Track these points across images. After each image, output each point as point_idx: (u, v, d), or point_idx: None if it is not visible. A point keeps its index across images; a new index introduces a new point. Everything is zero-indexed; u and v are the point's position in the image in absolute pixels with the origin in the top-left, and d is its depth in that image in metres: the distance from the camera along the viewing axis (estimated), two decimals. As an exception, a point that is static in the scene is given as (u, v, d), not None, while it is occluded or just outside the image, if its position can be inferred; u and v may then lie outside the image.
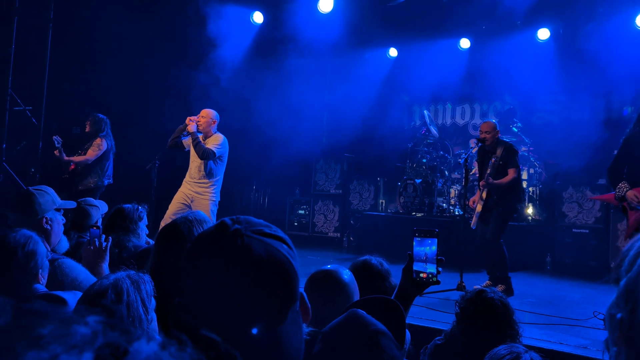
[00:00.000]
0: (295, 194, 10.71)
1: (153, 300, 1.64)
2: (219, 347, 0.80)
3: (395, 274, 2.89)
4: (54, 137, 6.80)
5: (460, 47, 10.21)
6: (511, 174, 5.80)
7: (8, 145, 8.15)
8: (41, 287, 2.31)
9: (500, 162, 5.81)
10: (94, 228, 3.20)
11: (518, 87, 9.49)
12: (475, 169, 8.05)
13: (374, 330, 1.29)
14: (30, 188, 3.35)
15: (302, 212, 10.52)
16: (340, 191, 10.30)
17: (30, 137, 8.40)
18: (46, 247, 2.58)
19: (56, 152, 6.78)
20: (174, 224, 2.33)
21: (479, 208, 5.91)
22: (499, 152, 5.88)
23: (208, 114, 6.37)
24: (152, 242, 4.28)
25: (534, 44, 9.46)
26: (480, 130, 6.09)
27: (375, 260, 2.84)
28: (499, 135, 6.13)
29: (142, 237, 3.96)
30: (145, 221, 4.00)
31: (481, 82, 9.51)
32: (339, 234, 10.07)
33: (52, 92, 8.60)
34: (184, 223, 2.31)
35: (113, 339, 0.49)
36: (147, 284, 1.64)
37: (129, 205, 3.93)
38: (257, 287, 0.91)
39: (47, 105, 8.53)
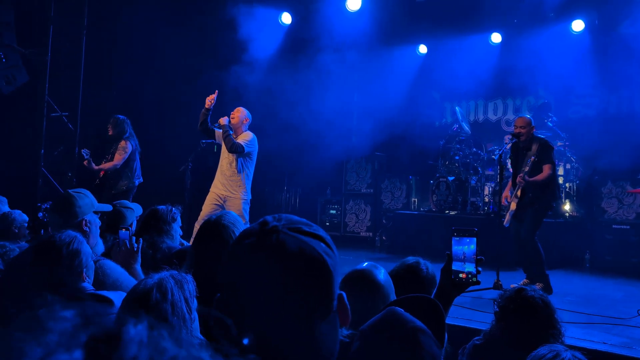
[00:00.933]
0: (326, 194, 10.70)
1: (195, 300, 1.64)
2: (246, 350, 0.80)
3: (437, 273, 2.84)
4: (83, 150, 6.92)
5: (492, 42, 10.04)
6: (546, 170, 5.66)
7: (46, 151, 8.36)
8: (88, 286, 2.35)
9: (536, 159, 5.67)
10: (123, 230, 3.24)
11: (552, 81, 9.28)
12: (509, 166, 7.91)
13: (412, 327, 1.26)
14: (69, 191, 3.42)
15: (333, 211, 10.50)
16: (372, 190, 10.24)
17: (67, 142, 8.61)
18: None
19: (85, 163, 6.90)
20: (209, 224, 2.35)
21: (513, 206, 5.79)
22: (534, 148, 5.74)
23: (241, 111, 6.50)
24: (186, 243, 4.33)
25: (568, 36, 9.23)
26: (514, 125, 5.96)
27: (423, 264, 2.75)
28: (534, 130, 6.00)
29: (176, 238, 3.99)
30: (179, 222, 4.04)
31: (513, 76, 9.34)
32: (371, 234, 10.02)
33: (87, 98, 8.80)
34: (220, 224, 2.33)
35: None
36: (190, 283, 1.66)
37: (163, 207, 3.97)
38: (289, 284, 0.91)
39: (83, 111, 8.72)
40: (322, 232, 1.00)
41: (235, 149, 6.23)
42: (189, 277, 1.68)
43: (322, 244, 0.97)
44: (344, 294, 1.00)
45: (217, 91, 6.43)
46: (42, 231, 3.77)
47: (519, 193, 5.76)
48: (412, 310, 1.37)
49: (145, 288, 1.59)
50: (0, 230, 4.32)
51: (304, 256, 0.93)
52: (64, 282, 2.26)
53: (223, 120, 6.30)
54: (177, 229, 3.96)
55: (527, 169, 5.63)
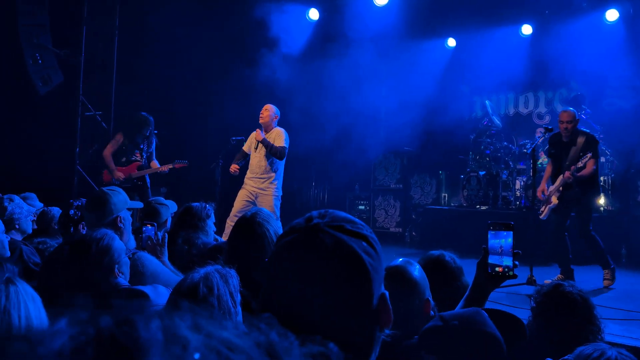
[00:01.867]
0: (355, 190, 10.69)
1: (239, 294, 1.67)
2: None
3: (465, 270, 2.82)
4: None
5: (522, 34, 9.87)
6: (591, 165, 5.60)
7: (81, 149, 8.55)
8: (123, 281, 2.40)
9: (581, 153, 5.61)
10: (148, 226, 3.30)
11: (585, 73, 9.07)
12: (542, 159, 7.77)
13: (488, 332, 1.30)
14: (103, 188, 3.49)
15: (362, 207, 10.49)
16: (401, 186, 10.19)
17: (101, 140, 8.78)
18: None
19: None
20: (244, 221, 2.39)
21: (554, 200, 5.73)
22: (579, 142, 5.67)
23: (270, 108, 6.60)
24: (220, 239, 4.39)
25: (602, 26, 9.02)
26: (559, 120, 5.88)
27: (448, 256, 2.74)
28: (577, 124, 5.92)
29: (211, 234, 4.06)
30: (212, 219, 4.10)
31: (545, 69, 9.18)
32: (400, 229, 9.98)
33: (119, 97, 8.97)
34: (254, 221, 2.37)
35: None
36: (234, 278, 1.69)
37: (197, 204, 4.03)
38: (325, 281, 0.92)
39: (116, 110, 8.89)
40: (366, 231, 0.99)
41: (282, 155, 6.37)
42: (233, 272, 1.71)
43: (363, 242, 0.96)
44: (387, 294, 0.99)
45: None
46: (72, 228, 3.84)
47: (560, 188, 5.71)
48: (495, 322, 1.40)
49: (192, 282, 1.62)
50: (41, 226, 4.46)
51: (341, 254, 0.93)
52: (95, 279, 2.30)
53: (260, 136, 6.40)
54: (211, 225, 4.03)
55: (580, 164, 5.56)
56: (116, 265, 2.37)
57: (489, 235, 1.90)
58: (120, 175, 6.95)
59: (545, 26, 9.43)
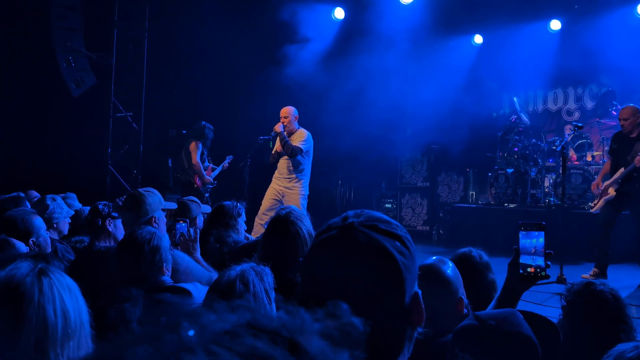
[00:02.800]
0: (381, 188, 10.69)
1: (273, 292, 1.72)
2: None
3: (493, 268, 2.83)
4: (228, 157, 7.78)
5: (551, 29, 9.72)
6: None
7: (113, 150, 8.75)
8: (168, 279, 2.49)
9: None
10: (181, 222, 3.37)
11: (616, 68, 8.90)
12: (571, 156, 7.68)
13: (524, 335, 1.32)
14: (139, 189, 3.58)
15: (388, 205, 10.49)
16: (428, 184, 10.16)
17: (132, 141, 8.97)
18: None
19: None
20: (278, 219, 2.45)
21: (611, 191, 5.70)
22: None
23: (289, 112, 6.60)
24: (250, 237, 4.47)
25: (633, 20, 8.84)
26: (620, 118, 5.89)
27: (475, 252, 2.77)
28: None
29: (242, 232, 4.13)
30: (243, 217, 4.17)
31: (574, 64, 9.01)
32: (427, 227, 9.95)
33: (149, 98, 9.14)
34: (288, 219, 2.42)
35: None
36: (269, 275, 1.73)
37: (229, 202, 4.11)
38: (358, 279, 0.94)
39: (146, 110, 9.07)
40: (400, 231, 1.00)
41: (296, 154, 6.40)
42: (267, 270, 1.76)
43: (397, 242, 0.98)
44: (420, 293, 1.00)
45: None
46: (100, 222, 3.87)
47: (620, 180, 5.68)
48: (529, 325, 1.42)
49: (229, 279, 1.67)
50: (76, 225, 4.59)
51: (374, 253, 0.95)
52: (146, 276, 2.40)
53: (278, 128, 6.43)
54: (242, 223, 4.10)
55: None
56: (164, 263, 2.47)
57: (520, 236, 1.91)
58: (209, 179, 7.65)
59: (574, 21, 9.28)
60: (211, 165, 7.78)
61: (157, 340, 0.47)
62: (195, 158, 7.51)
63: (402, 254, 0.97)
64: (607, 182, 5.84)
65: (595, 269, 5.65)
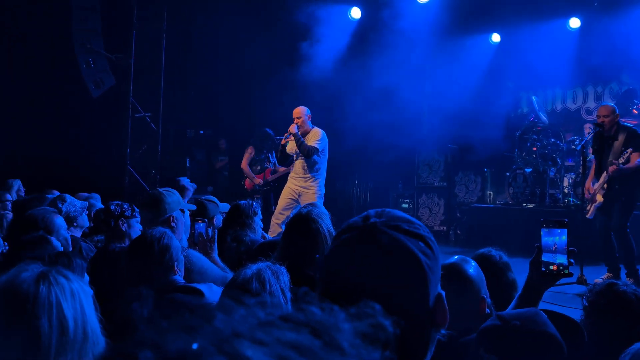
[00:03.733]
0: (398, 188, 10.65)
1: (289, 292, 1.71)
2: None
3: (513, 268, 2.81)
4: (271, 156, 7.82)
5: (570, 27, 9.60)
6: (635, 159, 5.41)
7: (131, 150, 8.84)
8: (179, 278, 2.50)
9: (623, 148, 5.44)
10: (200, 222, 3.38)
11: (637, 66, 8.77)
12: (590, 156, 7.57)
13: (549, 334, 1.31)
14: (159, 189, 3.60)
15: (405, 205, 10.45)
16: (445, 183, 10.10)
17: (150, 141, 9.06)
18: None
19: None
20: (299, 217, 2.45)
21: (599, 198, 5.57)
22: (621, 137, 5.50)
23: (302, 112, 6.60)
24: (267, 236, 4.48)
25: (655, 17, 8.70)
26: (597, 115, 5.73)
27: (495, 252, 2.74)
28: (619, 119, 5.74)
29: (258, 231, 4.13)
30: (259, 216, 4.17)
31: (594, 62, 8.89)
32: (445, 228, 9.89)
33: (167, 98, 9.22)
34: (309, 218, 2.43)
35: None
36: (284, 275, 1.73)
37: (245, 202, 4.12)
38: (380, 280, 0.93)
39: (164, 111, 9.15)
40: (423, 231, 0.99)
41: (312, 153, 6.41)
42: (283, 269, 1.76)
43: (420, 242, 0.96)
44: (444, 294, 0.99)
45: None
46: (112, 222, 3.88)
47: (605, 185, 5.54)
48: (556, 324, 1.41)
49: (245, 278, 1.67)
50: (96, 225, 4.64)
51: (398, 254, 0.94)
52: (155, 276, 2.40)
53: (293, 129, 6.44)
54: (258, 222, 4.10)
55: (622, 160, 5.40)
56: (175, 263, 2.48)
57: (542, 233, 1.89)
58: (259, 181, 7.91)
59: (594, 19, 9.15)
60: (272, 167, 7.89)
61: (194, 330, 0.47)
62: (244, 162, 8.00)
63: (426, 254, 0.96)
64: (595, 187, 5.72)
65: (608, 274, 5.58)
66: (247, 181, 8.07)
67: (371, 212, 1.03)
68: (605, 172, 5.58)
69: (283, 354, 0.46)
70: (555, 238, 1.86)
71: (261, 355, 0.45)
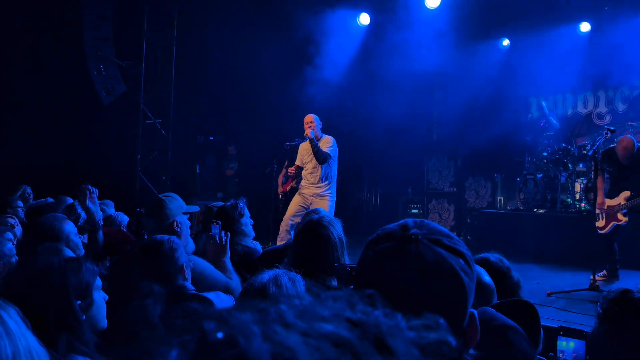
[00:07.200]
0: (408, 193, 10.63)
1: None
2: None
3: (520, 272, 2.78)
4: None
5: (580, 32, 9.56)
6: None
7: (142, 156, 8.90)
8: (190, 285, 2.51)
9: None
10: (214, 224, 3.37)
11: (649, 70, 8.71)
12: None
13: (502, 324, 1.30)
14: (160, 195, 3.60)
15: (415, 211, 10.42)
16: (455, 189, 10.07)
17: (160, 147, 9.11)
18: None
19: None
20: (311, 224, 2.45)
21: (622, 218, 5.64)
22: None
23: (313, 119, 6.62)
24: (257, 244, 4.35)
25: (666, 21, 8.63)
26: (617, 147, 5.74)
27: (493, 257, 2.71)
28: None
29: (249, 232, 3.85)
30: (247, 215, 3.89)
31: (605, 67, 8.85)
32: (455, 233, 9.84)
33: (177, 105, 9.28)
34: (320, 224, 2.42)
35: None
36: (300, 282, 1.73)
37: (228, 204, 3.87)
38: (419, 295, 0.91)
39: (174, 117, 9.21)
40: (462, 247, 0.96)
41: (325, 159, 6.46)
42: (299, 277, 1.76)
43: (461, 260, 0.94)
44: (476, 313, 0.97)
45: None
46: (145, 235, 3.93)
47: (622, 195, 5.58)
48: (508, 313, 1.40)
49: (262, 281, 1.68)
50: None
51: (441, 271, 0.91)
52: (167, 273, 2.42)
53: (310, 134, 6.48)
54: (247, 222, 3.84)
55: None
56: (184, 263, 2.50)
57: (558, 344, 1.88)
58: (281, 189, 8.00)
59: (604, 23, 9.10)
60: (293, 178, 7.84)
61: (263, 312, 0.49)
62: (280, 175, 8.16)
63: (466, 273, 0.93)
64: (611, 203, 5.68)
65: (605, 272, 5.73)
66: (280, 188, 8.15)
67: (409, 221, 1.00)
68: (628, 192, 5.59)
69: (328, 351, 0.46)
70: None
71: (305, 347, 0.45)
